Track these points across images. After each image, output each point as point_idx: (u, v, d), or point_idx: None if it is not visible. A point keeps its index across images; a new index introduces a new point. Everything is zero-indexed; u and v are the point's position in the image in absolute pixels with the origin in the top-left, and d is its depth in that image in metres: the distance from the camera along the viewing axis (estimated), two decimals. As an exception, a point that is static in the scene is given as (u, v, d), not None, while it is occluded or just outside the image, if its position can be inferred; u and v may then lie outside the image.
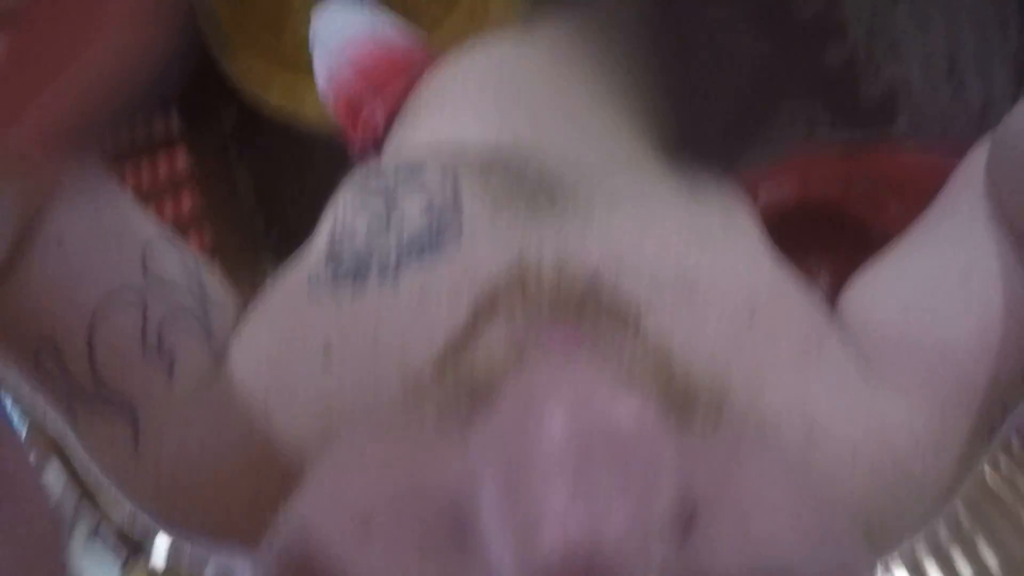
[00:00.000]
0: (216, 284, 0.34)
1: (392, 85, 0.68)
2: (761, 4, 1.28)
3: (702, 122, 1.34)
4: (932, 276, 0.33)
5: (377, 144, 0.70)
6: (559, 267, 0.29)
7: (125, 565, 0.69)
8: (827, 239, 1.25)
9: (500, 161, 0.38)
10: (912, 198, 1.23)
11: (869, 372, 0.32)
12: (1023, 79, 1.44)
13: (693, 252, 0.33)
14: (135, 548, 0.68)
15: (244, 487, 0.30)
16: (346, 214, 0.35)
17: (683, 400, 0.24)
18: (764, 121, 1.31)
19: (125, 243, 0.30)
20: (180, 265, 0.32)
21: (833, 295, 0.38)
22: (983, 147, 0.36)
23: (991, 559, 0.79)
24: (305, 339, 0.30)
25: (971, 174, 0.35)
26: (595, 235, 0.32)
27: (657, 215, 0.35)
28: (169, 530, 0.32)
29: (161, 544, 0.69)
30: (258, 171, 1.45)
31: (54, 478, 0.63)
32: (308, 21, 0.83)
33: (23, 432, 0.50)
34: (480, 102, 0.47)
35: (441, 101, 0.51)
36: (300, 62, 1.13)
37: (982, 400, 0.30)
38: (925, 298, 0.32)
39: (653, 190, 0.38)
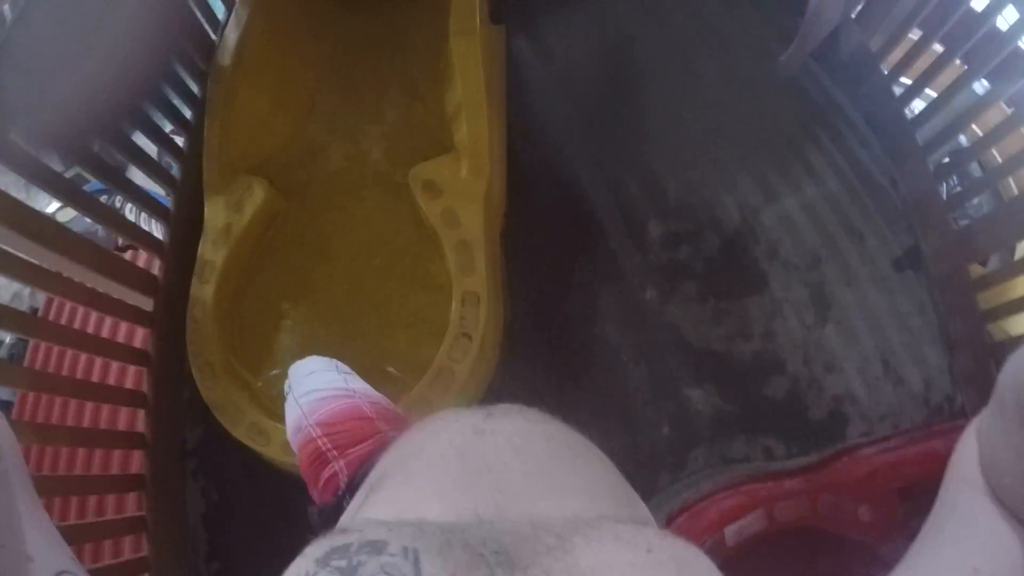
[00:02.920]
0: None
1: (356, 450, 0.70)
2: (700, 356, 1.41)
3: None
4: None
5: (337, 501, 0.69)
6: None
7: None
8: (804, 553, 1.22)
9: (460, 539, 0.38)
10: (881, 498, 1.22)
11: None
12: (953, 346, 1.57)
13: None
14: None
15: None
16: None
17: None
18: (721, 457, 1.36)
19: (40, 566, 0.30)
20: None
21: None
22: (967, 439, 0.36)
23: None
24: None
25: (962, 468, 0.35)
26: None
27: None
28: None
29: None
30: (210, 495, 1.41)
31: None
32: (286, 371, 0.88)
33: None
34: (442, 479, 0.48)
35: (404, 475, 0.52)
36: (272, 406, 1.20)
37: None
38: None
39: (614, 550, 0.39)
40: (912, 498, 1.18)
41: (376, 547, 0.37)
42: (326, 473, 0.71)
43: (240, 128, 1.34)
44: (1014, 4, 1.31)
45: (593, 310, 1.42)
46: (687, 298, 1.45)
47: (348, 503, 0.63)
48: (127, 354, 1.33)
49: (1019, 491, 0.31)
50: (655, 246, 1.50)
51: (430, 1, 1.49)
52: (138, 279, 1.32)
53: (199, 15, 1.48)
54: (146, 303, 1.33)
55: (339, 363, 0.85)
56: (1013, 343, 1.40)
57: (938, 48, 1.58)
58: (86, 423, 1.38)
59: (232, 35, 1.38)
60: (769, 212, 1.61)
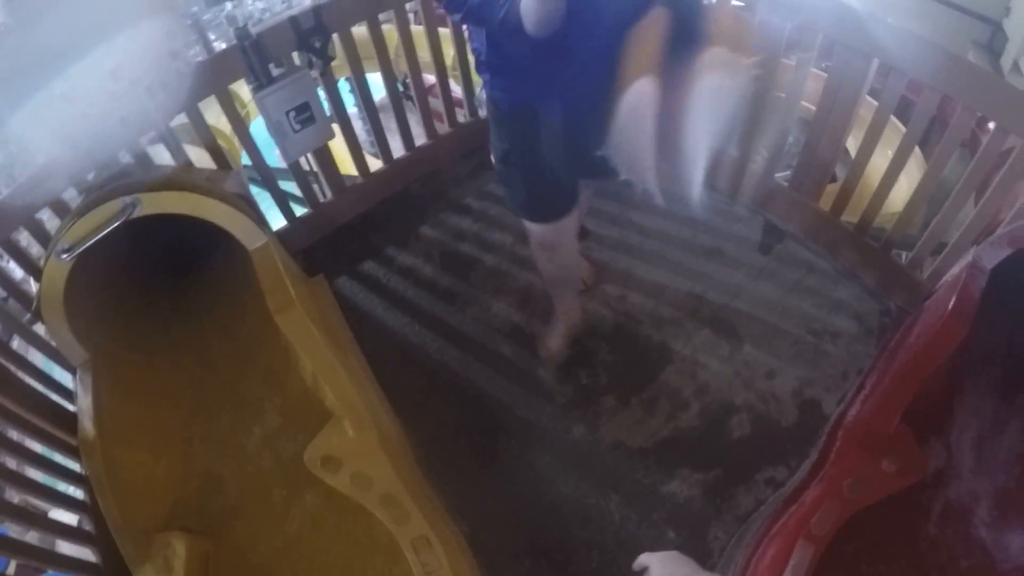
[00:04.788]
0: None
1: None
2: (656, 451, 1.41)
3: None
4: None
5: None
6: None
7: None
8: (870, 541, 1.14)
9: None
10: (891, 441, 1.16)
11: None
12: (855, 272, 1.60)
13: None
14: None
15: None
16: None
17: None
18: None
19: None
20: None
21: None
22: None
23: None
24: None
25: None
26: None
27: None
28: None
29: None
30: None
31: None
32: None
33: None
34: None
35: None
36: None
37: None
38: None
39: None
40: (917, 420, 1.14)
41: None
42: None
43: (131, 491, 1.28)
44: None
45: (539, 477, 1.39)
46: (612, 411, 1.45)
47: None
48: None
49: None
50: (555, 387, 1.50)
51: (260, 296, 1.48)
52: None
53: (52, 395, 1.39)
54: None
55: None
56: (904, 217, 1.48)
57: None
58: None
59: (84, 401, 1.32)
60: (631, 288, 1.68)
